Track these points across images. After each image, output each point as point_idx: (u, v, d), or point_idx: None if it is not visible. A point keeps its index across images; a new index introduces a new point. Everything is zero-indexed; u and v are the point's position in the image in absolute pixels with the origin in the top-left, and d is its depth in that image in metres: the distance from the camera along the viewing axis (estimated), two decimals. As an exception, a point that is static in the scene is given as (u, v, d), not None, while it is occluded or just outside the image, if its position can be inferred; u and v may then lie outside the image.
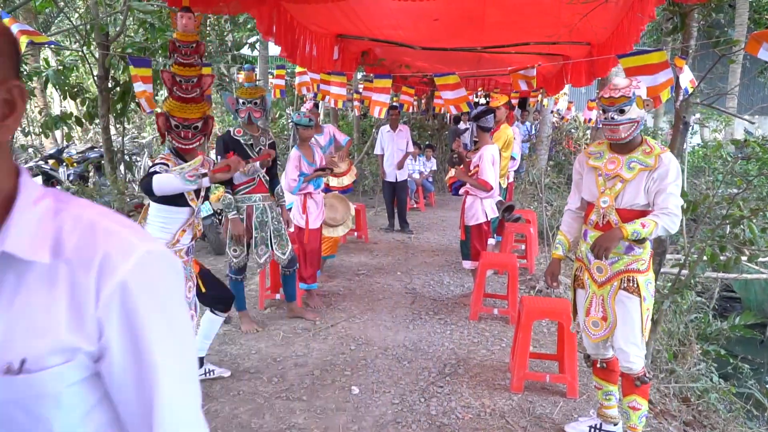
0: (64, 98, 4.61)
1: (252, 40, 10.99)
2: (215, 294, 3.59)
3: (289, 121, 14.18)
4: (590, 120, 7.91)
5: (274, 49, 13.44)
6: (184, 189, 2.96)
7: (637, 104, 2.69)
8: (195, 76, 3.02)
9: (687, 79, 4.29)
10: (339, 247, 6.81)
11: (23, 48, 2.94)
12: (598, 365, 3.07)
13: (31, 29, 3.09)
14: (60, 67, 5.62)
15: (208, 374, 3.70)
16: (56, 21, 8.93)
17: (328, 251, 5.90)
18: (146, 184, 2.95)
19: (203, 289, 3.41)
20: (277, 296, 5.17)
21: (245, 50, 11.91)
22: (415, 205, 10.50)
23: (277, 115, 14.22)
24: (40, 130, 6.38)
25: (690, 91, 4.38)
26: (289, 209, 5.65)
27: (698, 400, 4.14)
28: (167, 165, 3.02)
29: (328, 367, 3.95)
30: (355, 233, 7.82)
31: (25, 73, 6.83)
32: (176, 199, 3.03)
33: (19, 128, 13.04)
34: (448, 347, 4.34)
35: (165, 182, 2.92)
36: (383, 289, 5.76)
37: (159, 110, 3.06)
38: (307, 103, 6.85)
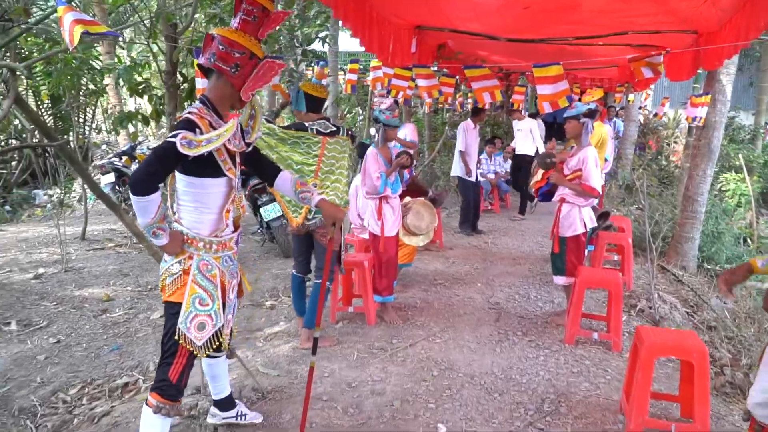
0: (131, 95, 4.38)
1: (323, 34, 10.69)
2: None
3: (359, 118, 13.86)
4: (697, 118, 7.03)
5: (345, 45, 13.14)
6: (145, 233, 2.33)
7: None
8: (262, 5, 2.41)
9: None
10: (413, 254, 6.37)
11: (77, 39, 2.64)
12: (755, 426, 2.48)
13: (88, 18, 2.77)
14: (131, 64, 5.43)
15: (239, 418, 3.11)
16: (129, 18, 8.92)
17: (406, 259, 5.47)
18: (136, 175, 2.20)
19: (249, 288, 2.85)
20: (350, 309, 4.78)
21: (316, 45, 11.65)
22: (489, 207, 9.95)
23: (345, 112, 13.91)
24: (111, 127, 6.24)
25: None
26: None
27: None
28: (194, 129, 2.28)
29: (409, 398, 3.50)
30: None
31: (97, 69, 6.76)
32: (208, 169, 2.39)
33: (93, 125, 13.34)
34: (543, 377, 3.81)
35: (142, 207, 2.22)
36: (463, 302, 5.27)
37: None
38: (387, 100, 6.52)
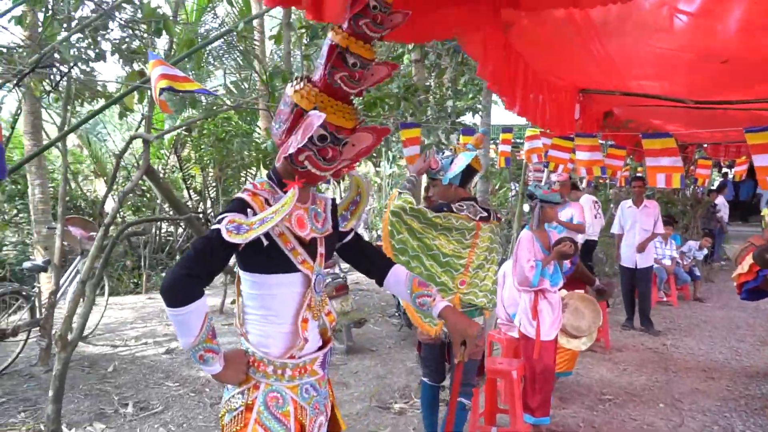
0: (256, 167, 4.08)
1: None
2: None
3: (512, 194, 13.06)
4: None
5: (497, 117, 12.63)
6: (187, 351, 1.68)
7: None
8: (371, 60, 1.71)
9: None
10: (573, 357, 5.28)
11: (158, 93, 2.26)
12: None
13: (180, 74, 2.38)
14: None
15: None
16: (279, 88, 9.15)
17: (564, 366, 4.47)
18: (170, 278, 1.60)
19: (343, 427, 2.04)
20: (494, 429, 3.86)
21: (466, 118, 11.26)
22: (665, 299, 8.46)
23: (496, 187, 13.17)
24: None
25: None
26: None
27: None
28: (246, 210, 1.65)
29: None
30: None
31: (245, 142, 6.76)
32: (273, 263, 1.73)
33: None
34: None
35: (181, 321, 1.61)
36: (642, 431, 4.10)
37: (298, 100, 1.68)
38: (559, 175, 5.80)
